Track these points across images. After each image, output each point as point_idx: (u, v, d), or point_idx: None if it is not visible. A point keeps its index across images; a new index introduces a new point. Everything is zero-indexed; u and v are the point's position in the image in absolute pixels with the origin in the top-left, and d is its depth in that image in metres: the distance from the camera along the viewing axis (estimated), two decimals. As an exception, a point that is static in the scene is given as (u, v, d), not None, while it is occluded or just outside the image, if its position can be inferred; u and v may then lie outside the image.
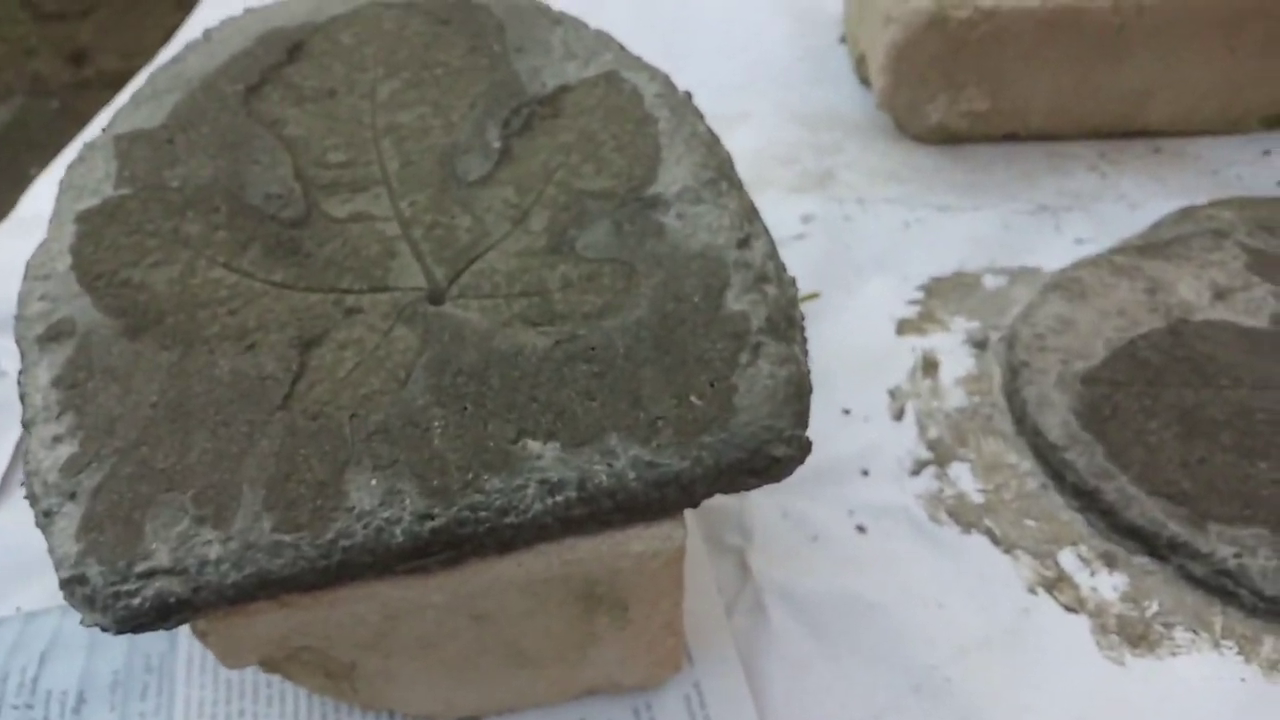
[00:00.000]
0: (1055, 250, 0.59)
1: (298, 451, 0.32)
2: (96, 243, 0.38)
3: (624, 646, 0.37)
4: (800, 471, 0.49)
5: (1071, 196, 0.62)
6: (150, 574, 0.29)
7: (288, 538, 0.30)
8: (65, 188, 0.40)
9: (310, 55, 0.45)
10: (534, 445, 0.32)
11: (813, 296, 0.56)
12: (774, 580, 0.45)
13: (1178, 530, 0.44)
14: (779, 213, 0.60)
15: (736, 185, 0.40)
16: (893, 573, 0.45)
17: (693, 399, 0.33)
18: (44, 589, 0.45)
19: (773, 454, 0.32)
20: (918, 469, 0.49)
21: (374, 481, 0.31)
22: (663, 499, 0.32)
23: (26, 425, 0.34)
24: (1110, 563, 0.45)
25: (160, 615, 0.30)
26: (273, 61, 0.45)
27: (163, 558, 0.30)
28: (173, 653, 0.43)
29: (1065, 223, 0.61)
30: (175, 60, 0.45)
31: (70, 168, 0.41)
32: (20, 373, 0.35)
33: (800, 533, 0.46)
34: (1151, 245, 0.57)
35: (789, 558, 0.45)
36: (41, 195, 0.63)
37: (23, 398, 0.34)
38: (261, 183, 0.40)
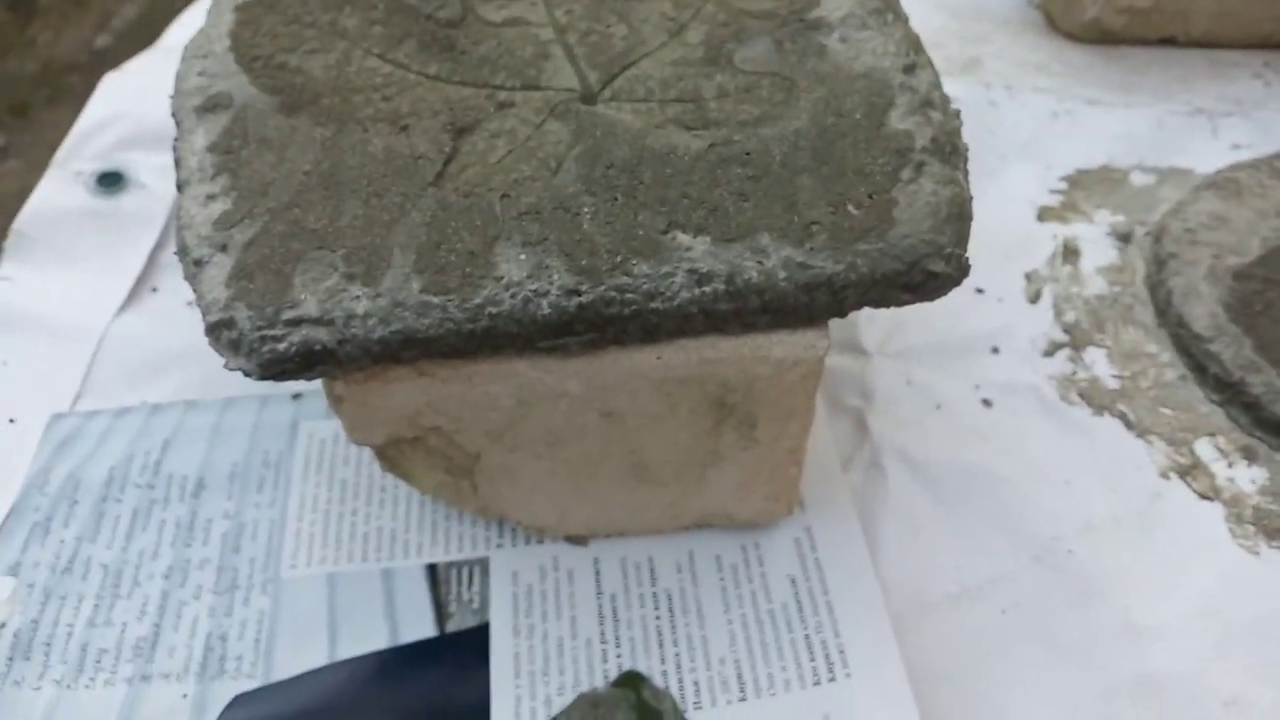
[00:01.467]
0: (1210, 153, 0.56)
1: (449, 223, 0.31)
2: (254, 29, 0.38)
3: (745, 470, 0.36)
4: (926, 344, 0.48)
5: (1232, 102, 0.59)
6: (298, 322, 0.30)
7: (436, 299, 0.30)
8: (223, -21, 0.40)
9: None
10: (684, 237, 0.31)
11: (951, 174, 0.54)
12: (893, 442, 0.44)
13: (1329, 429, 0.42)
14: (919, 93, 0.58)
15: (902, 17, 0.38)
16: (1017, 448, 0.43)
17: (850, 208, 0.32)
18: (169, 385, 0.47)
19: (930, 269, 0.31)
20: (1051, 350, 0.47)
21: (523, 256, 0.30)
22: (811, 303, 0.31)
23: (180, 186, 0.34)
24: (1250, 456, 0.43)
25: (304, 364, 0.30)
26: None
27: (311, 308, 0.30)
28: (290, 451, 0.44)
29: (1223, 127, 0.58)
30: None
31: (230, -41, 0.41)
32: (175, 140, 0.35)
33: (923, 401, 0.45)
34: (1318, 153, 0.54)
35: (910, 423, 0.44)
36: (188, 26, 0.64)
37: (177, 162, 0.35)
38: (418, -15, 0.40)
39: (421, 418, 0.33)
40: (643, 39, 0.37)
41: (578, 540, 0.40)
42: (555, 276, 0.30)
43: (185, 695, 0.37)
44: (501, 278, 0.30)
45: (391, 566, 0.40)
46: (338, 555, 0.40)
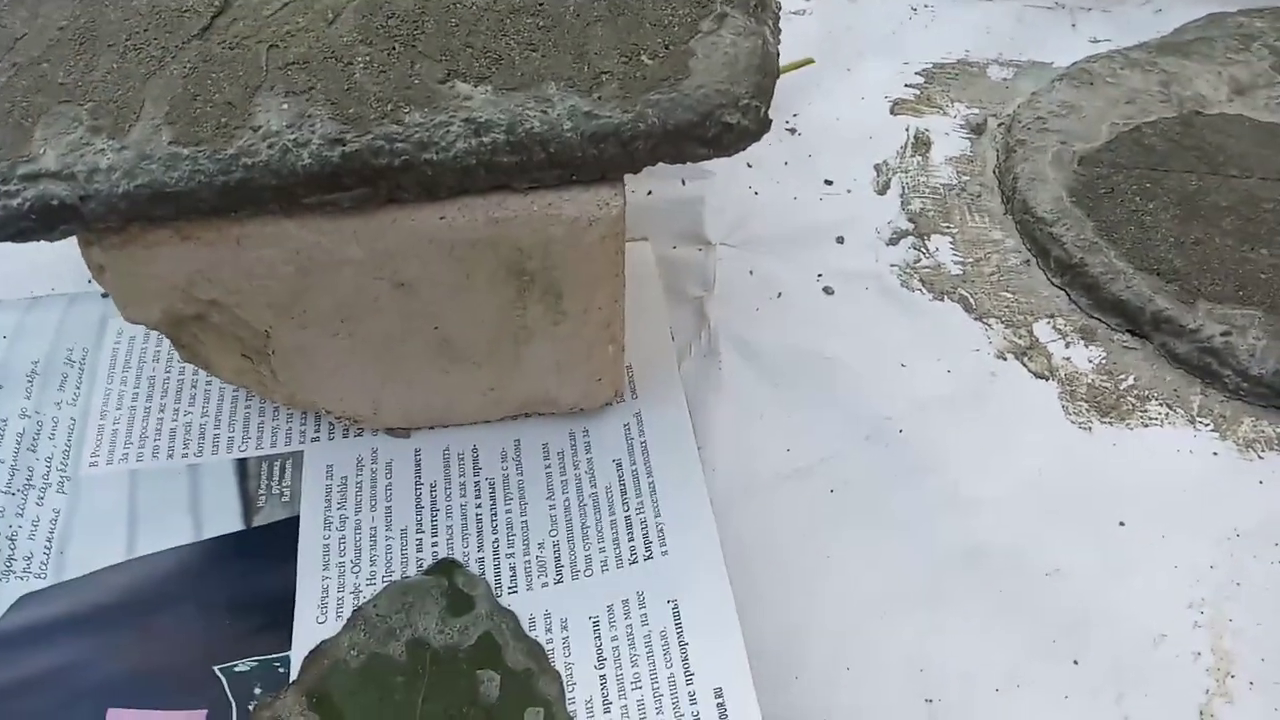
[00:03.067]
0: (1069, 48, 0.55)
1: (209, 75, 0.29)
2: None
3: (560, 347, 0.35)
4: (771, 234, 0.47)
5: (1093, -3, 0.58)
6: (34, 176, 0.27)
7: (186, 150, 0.27)
8: None
9: None
10: (464, 86, 0.29)
11: (805, 63, 0.52)
12: (731, 330, 0.42)
13: (1164, 305, 0.41)
14: (779, -14, 0.56)
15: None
16: (856, 332, 0.43)
17: (644, 58, 0.30)
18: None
19: (726, 119, 0.29)
20: (895, 239, 0.46)
21: (285, 105, 0.28)
22: (600, 156, 0.29)
23: (-77, 42, 0.31)
24: (1088, 337, 0.43)
25: (44, 222, 0.28)
26: None
27: (49, 161, 0.27)
28: (98, 349, 0.41)
29: (1083, 21, 0.57)
30: None
31: None
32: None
33: (765, 289, 0.44)
34: (1171, 44, 0.53)
35: (750, 311, 0.43)
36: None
37: (-77, 18, 0.32)
38: None
39: (195, 289, 0.31)
40: (441, -110, 0.35)
41: (399, 432, 0.39)
42: (318, 125, 0.28)
43: (-33, 599, 0.34)
44: (259, 127, 0.28)
45: (198, 462, 0.38)
46: (141, 452, 0.38)
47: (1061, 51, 0.55)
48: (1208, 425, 0.40)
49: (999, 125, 0.51)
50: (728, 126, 0.29)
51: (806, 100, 0.52)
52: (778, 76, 0.32)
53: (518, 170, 0.29)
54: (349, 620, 0.34)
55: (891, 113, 0.52)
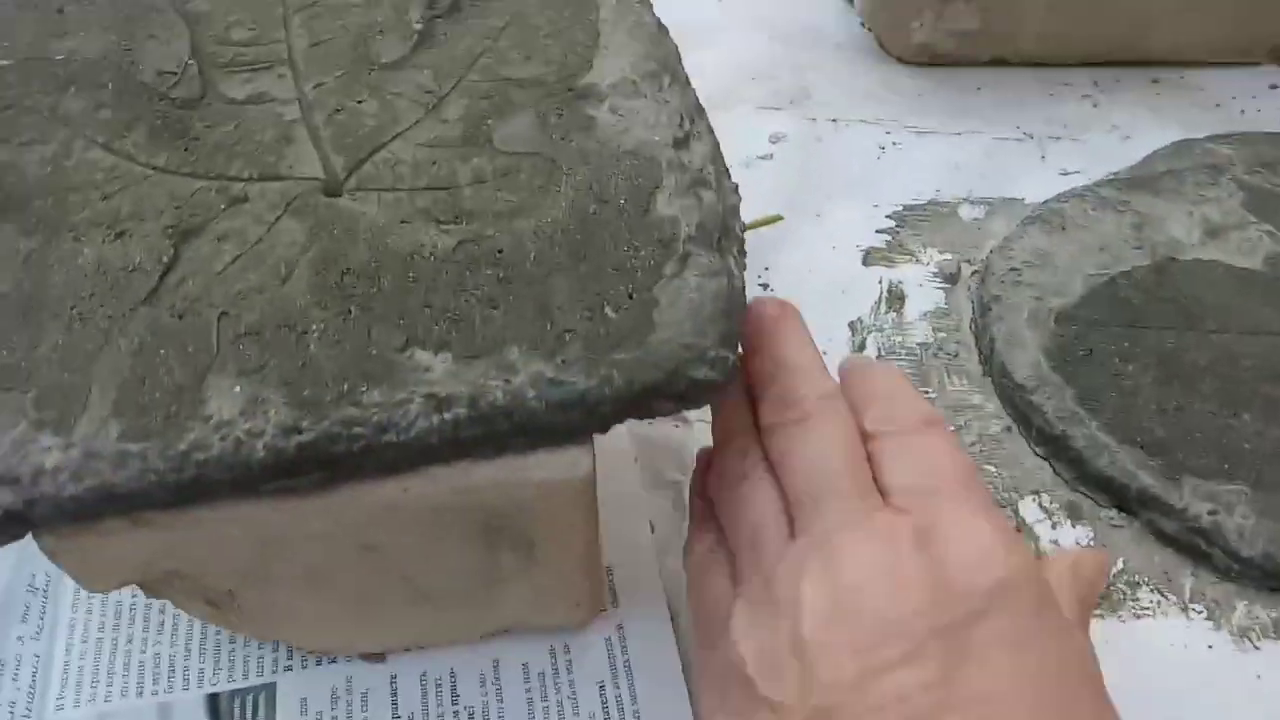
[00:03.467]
0: (1039, 181, 0.55)
1: (158, 351, 0.28)
2: (-38, 117, 0.34)
3: (534, 588, 0.34)
4: (749, 405, 0.46)
5: (1060, 125, 0.58)
6: (-24, 482, 0.26)
7: (134, 447, 0.26)
8: (-68, 56, 0.36)
9: (221, -78, 0.40)
10: (423, 355, 0.28)
11: (774, 220, 0.52)
12: (711, 519, 0.41)
13: (1150, 482, 0.41)
14: (746, 131, 0.56)
15: (681, 81, 0.36)
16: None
17: (608, 311, 0.29)
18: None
19: (692, 375, 0.28)
20: (875, 407, 0.45)
21: (238, 389, 0.27)
22: (567, 421, 0.28)
23: None
24: (1074, 515, 0.42)
25: (-10, 529, 0.26)
26: (179, -73, 0.40)
27: (-8, 464, 0.26)
28: (60, 577, 0.40)
29: (1052, 152, 0.57)
30: (70, -79, 0.41)
31: (-60, 35, 0.37)
32: None
33: (744, 470, 0.43)
34: (1141, 178, 0.53)
35: (729, 496, 0.42)
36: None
37: None
38: (156, 58, 0.36)
39: (155, 564, 0.30)
40: (395, 116, 0.34)
41: (374, 657, 0.37)
42: (272, 412, 0.27)
43: None
44: (211, 417, 0.27)
45: (169, 700, 0.36)
46: (109, 690, 0.37)
47: (1032, 185, 0.55)
48: (1201, 613, 0.39)
49: (973, 273, 0.51)
50: (695, 382, 0.29)
51: (778, 251, 0.52)
52: (744, 311, 0.31)
53: (482, 440, 0.28)
54: None
55: (864, 263, 0.51)
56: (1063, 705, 0.24)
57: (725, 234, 0.32)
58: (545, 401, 0.28)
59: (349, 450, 0.27)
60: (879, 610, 0.25)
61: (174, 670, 0.37)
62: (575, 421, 0.28)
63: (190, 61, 0.36)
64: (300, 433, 0.27)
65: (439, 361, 0.28)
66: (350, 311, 0.29)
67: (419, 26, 0.36)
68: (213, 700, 0.36)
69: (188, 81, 0.35)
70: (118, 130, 0.34)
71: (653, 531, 0.41)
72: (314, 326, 0.28)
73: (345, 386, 0.27)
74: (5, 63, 0.36)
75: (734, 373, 0.29)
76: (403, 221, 0.31)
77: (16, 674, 0.37)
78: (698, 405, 0.29)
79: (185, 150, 0.33)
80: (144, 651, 0.38)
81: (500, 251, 0.30)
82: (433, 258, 0.30)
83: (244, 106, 0.34)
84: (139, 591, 0.39)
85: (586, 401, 0.28)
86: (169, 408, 0.27)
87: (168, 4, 0.38)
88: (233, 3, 0.38)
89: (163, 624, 0.38)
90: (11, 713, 0.36)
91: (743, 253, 0.32)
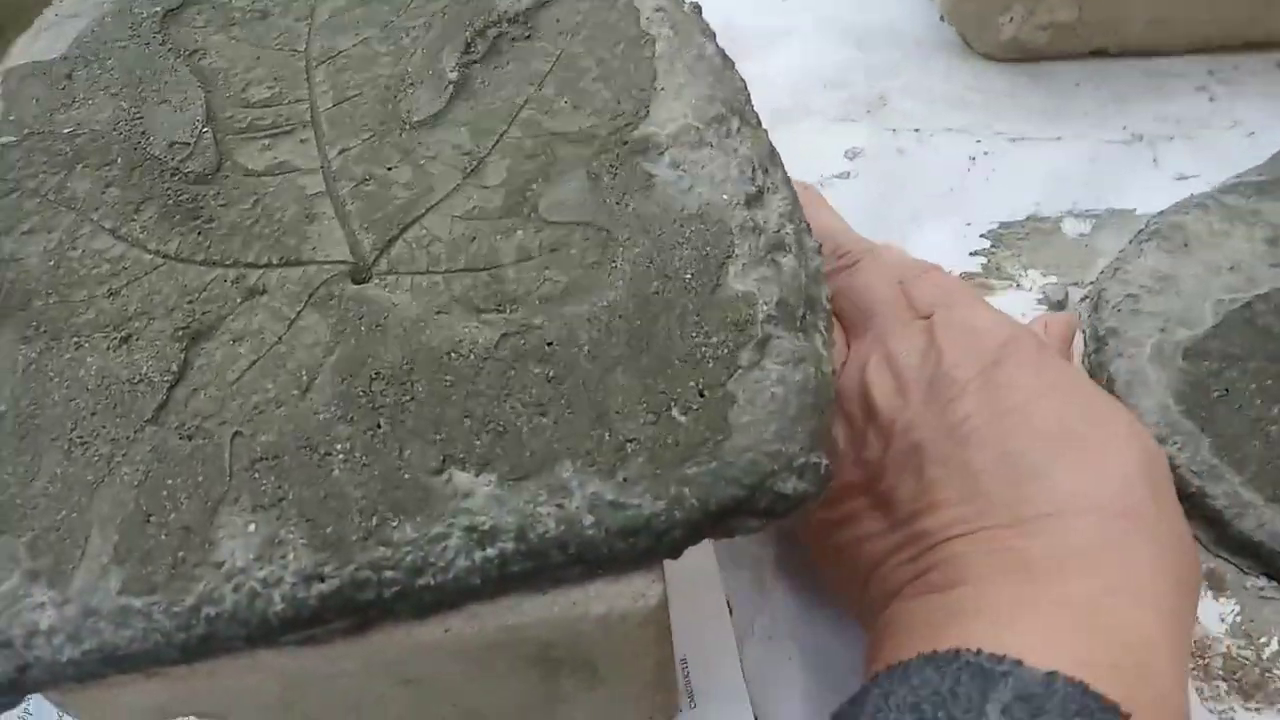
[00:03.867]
0: (1153, 189, 0.49)
1: (164, 482, 0.25)
2: (-37, 203, 0.31)
3: (600, 706, 0.30)
4: (835, 465, 0.41)
5: (1173, 123, 0.52)
6: (-34, 647, 0.23)
7: (138, 603, 0.23)
8: (-66, 137, 0.33)
9: (239, -34, 0.37)
10: (462, 478, 0.24)
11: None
12: (798, 602, 0.37)
13: (1306, 549, 0.35)
14: (820, 147, 0.51)
15: (751, 123, 0.31)
16: (944, 593, 0.37)
17: (675, 414, 0.25)
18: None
19: (779, 489, 0.24)
20: (978, 463, 0.40)
21: (252, 527, 0.24)
22: (631, 550, 0.24)
23: None
24: (1217, 586, 0.36)
25: (-18, 698, 0.23)
26: (194, -25, 0.37)
27: (-17, 625, 0.23)
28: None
29: (1165, 155, 0.51)
30: (80, -23, 0.38)
31: (-57, 112, 0.34)
32: None
33: (833, 542, 0.39)
34: (1272, 182, 0.47)
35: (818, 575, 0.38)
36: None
37: None
38: (168, 128, 0.33)
39: (171, 709, 0.27)
40: (430, 185, 0.30)
41: (428, 770, 0.34)
42: (291, 556, 0.23)
43: None
44: (223, 563, 0.23)
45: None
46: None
47: (1145, 194, 0.49)
48: (1376, 706, 0.33)
49: (1082, 299, 0.45)
50: (782, 496, 0.24)
51: (860, 283, 0.47)
52: (834, 402, 0.26)
53: (532, 575, 0.24)
54: None
55: (958, 292, 0.46)
56: (1082, 397, 0.31)
57: (810, 307, 0.27)
58: (606, 529, 0.24)
59: (379, 597, 0.23)
60: (931, 371, 0.32)
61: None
62: (640, 549, 0.24)
63: (205, 129, 0.32)
64: (323, 580, 0.23)
65: (481, 484, 0.24)
66: (379, 426, 0.25)
67: (454, 76, 0.33)
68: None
69: (202, 152, 0.32)
70: (126, 213, 0.30)
71: (731, 614, 0.37)
72: (338, 446, 0.25)
73: (374, 521, 0.24)
74: (8, 139, 0.33)
75: (826, 481, 0.25)
76: (439, 312, 0.27)
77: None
78: (784, 519, 0.25)
79: (198, 234, 0.30)
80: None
81: (549, 344, 0.26)
82: (472, 355, 0.26)
83: (263, 179, 0.31)
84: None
85: (653, 528, 0.24)
86: (176, 553, 0.23)
87: (180, 62, 0.34)
88: (250, 57, 0.35)
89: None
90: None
91: (830, 327, 0.28)
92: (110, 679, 0.25)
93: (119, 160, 0.32)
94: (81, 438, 0.26)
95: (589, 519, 0.24)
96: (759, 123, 0.32)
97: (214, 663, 0.24)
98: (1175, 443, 0.38)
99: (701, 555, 0.38)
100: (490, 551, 0.23)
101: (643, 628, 0.26)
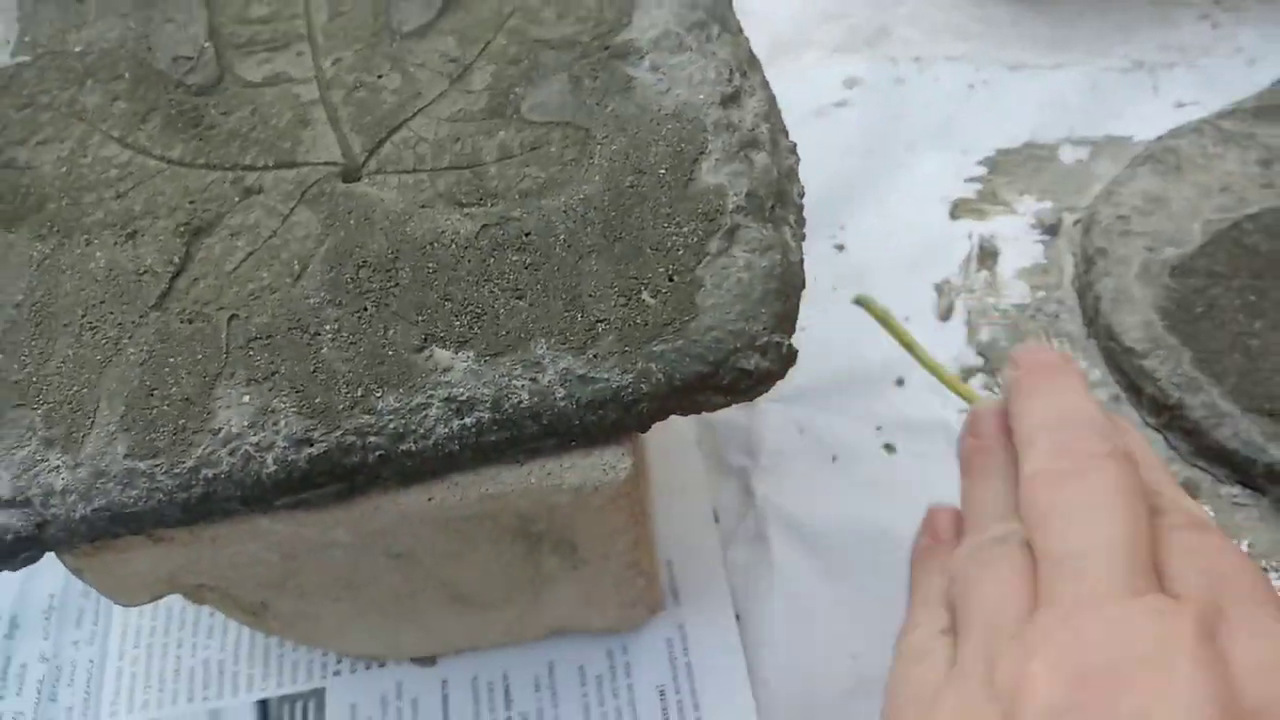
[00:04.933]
0: (1151, 116, 0.49)
1: (166, 360, 0.26)
2: (-17, 115, 0.33)
3: (583, 588, 0.32)
4: (822, 381, 0.42)
5: (1176, 51, 0.52)
6: (-14, 506, 0.25)
7: (142, 465, 0.25)
8: (-47, 53, 0.35)
9: (242, -112, 0.38)
10: (442, 354, 0.26)
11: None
12: (781, 508, 0.38)
13: (1280, 455, 0.36)
14: (819, 78, 0.52)
15: (731, 29, 0.32)
16: (923, 500, 0.38)
17: (645, 296, 0.26)
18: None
19: (742, 366, 0.25)
20: (964, 378, 0.41)
21: (247, 398, 0.25)
22: (601, 422, 0.25)
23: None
24: (1193, 492, 0.37)
25: (4, 553, 0.25)
26: (199, -102, 0.38)
27: (3, 488, 0.25)
28: (116, 574, 0.39)
29: (1165, 82, 0.51)
30: (90, -100, 0.39)
31: (-39, 30, 0.35)
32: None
33: (817, 452, 0.40)
34: (1269, 108, 0.47)
35: (801, 482, 0.39)
36: None
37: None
38: (173, 44, 0.34)
39: (181, 577, 0.29)
40: (417, 90, 0.31)
41: (424, 660, 0.36)
42: (282, 423, 0.25)
43: None
44: (219, 430, 0.25)
45: (219, 706, 0.36)
46: (161, 697, 0.36)
47: (1143, 121, 0.49)
48: (1345, 603, 0.34)
49: (1075, 223, 0.46)
50: (745, 373, 0.26)
51: (854, 209, 0.48)
52: (802, 289, 0.27)
53: (508, 446, 0.26)
54: None
55: (952, 216, 0.47)
56: None
57: (780, 201, 0.28)
58: (576, 401, 0.25)
59: (364, 461, 0.25)
60: (1135, 709, 0.19)
61: (223, 676, 0.37)
62: (611, 421, 0.25)
63: (207, 45, 0.34)
64: (311, 444, 0.25)
65: (459, 360, 0.25)
66: (365, 309, 0.27)
67: (443, -12, 0.34)
68: (262, 706, 0.36)
69: (204, 66, 0.33)
70: (133, 123, 0.32)
71: (717, 521, 0.38)
72: (327, 327, 0.26)
73: (359, 392, 0.25)
74: (24, 59, 0.34)
75: (789, 361, 0.26)
76: (423, 206, 0.28)
77: (73, 679, 0.37)
78: (749, 398, 0.26)
79: (200, 140, 0.31)
80: (194, 657, 0.37)
81: (527, 235, 0.27)
82: (454, 245, 0.27)
83: (261, 89, 0.32)
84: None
85: (622, 400, 0.25)
86: (177, 421, 0.25)
87: (187, -19, 0.36)
88: (253, -24, 0.36)
89: (211, 629, 0.38)
90: (69, 714, 0.36)
91: (801, 221, 0.29)
92: (120, 544, 0.27)
93: (126, 75, 0.33)
94: (91, 323, 0.27)
95: (560, 391, 0.25)
96: (740, 29, 0.32)
97: (216, 528, 0.26)
98: (1158, 356, 0.39)
99: (689, 463, 0.40)
100: (468, 420, 0.25)
101: (615, 501, 0.27)
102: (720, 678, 0.34)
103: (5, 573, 0.36)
